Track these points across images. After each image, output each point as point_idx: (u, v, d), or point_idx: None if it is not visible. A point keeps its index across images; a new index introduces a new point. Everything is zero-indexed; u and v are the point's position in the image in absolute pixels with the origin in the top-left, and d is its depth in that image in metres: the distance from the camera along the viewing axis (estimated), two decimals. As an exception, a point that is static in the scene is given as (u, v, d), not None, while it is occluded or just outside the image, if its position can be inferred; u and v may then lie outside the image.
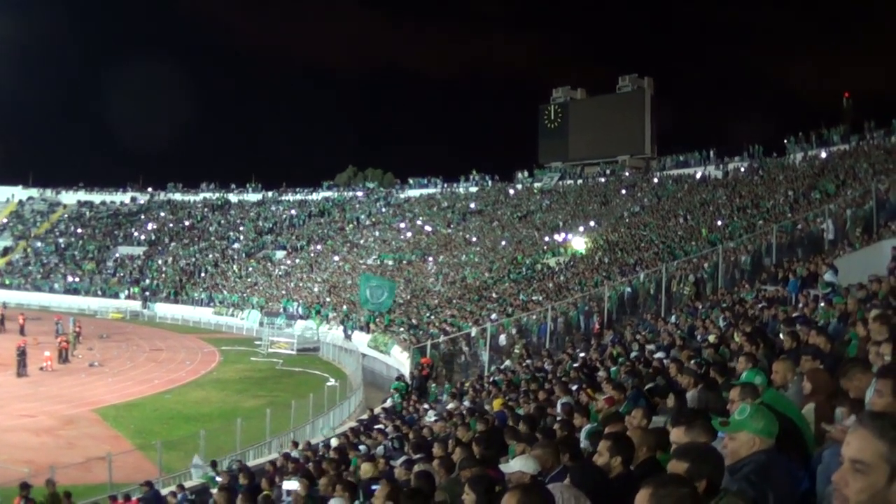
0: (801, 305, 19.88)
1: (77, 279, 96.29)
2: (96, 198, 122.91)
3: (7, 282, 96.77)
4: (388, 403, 33.31)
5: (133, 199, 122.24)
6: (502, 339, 39.24)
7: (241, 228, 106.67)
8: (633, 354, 20.34)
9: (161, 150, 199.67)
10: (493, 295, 54.27)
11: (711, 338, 17.65)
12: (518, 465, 7.45)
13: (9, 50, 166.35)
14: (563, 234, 67.47)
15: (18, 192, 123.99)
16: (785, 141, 71.57)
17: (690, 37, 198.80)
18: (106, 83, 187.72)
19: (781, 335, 13.55)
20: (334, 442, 23.95)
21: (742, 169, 71.50)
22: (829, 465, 4.98)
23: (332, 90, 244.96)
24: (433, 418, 22.55)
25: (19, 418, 35.01)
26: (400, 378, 38.04)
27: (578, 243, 61.90)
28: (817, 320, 15.57)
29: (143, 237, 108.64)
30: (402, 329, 53.12)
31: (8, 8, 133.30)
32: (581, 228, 67.41)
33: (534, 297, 48.20)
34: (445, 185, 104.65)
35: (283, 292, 79.49)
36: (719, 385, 10.27)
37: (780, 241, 33.88)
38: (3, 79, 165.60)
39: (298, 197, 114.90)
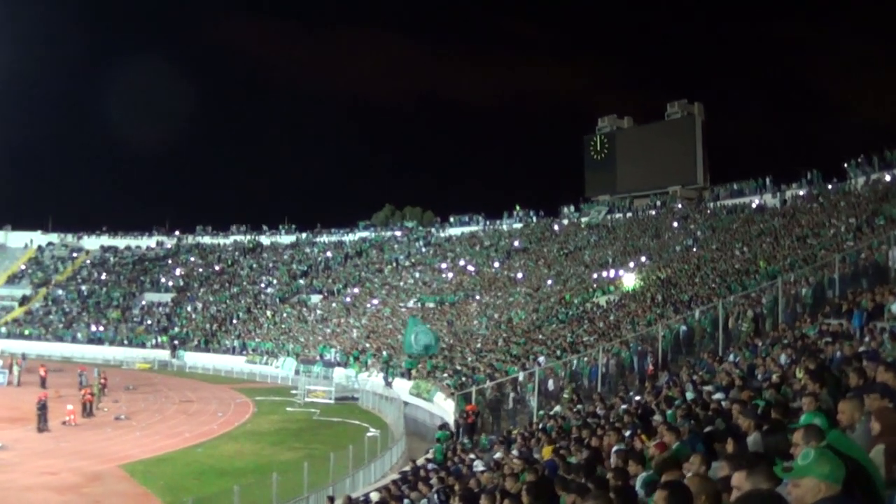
0: (867, 340, 19.65)
1: (101, 328, 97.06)
2: (120, 242, 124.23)
3: (27, 332, 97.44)
4: (430, 454, 33.20)
5: (159, 244, 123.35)
6: (551, 383, 39.07)
7: (275, 272, 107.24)
8: (689, 396, 20.16)
9: (188, 191, 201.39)
10: (541, 337, 54.06)
11: (773, 377, 17.49)
12: (569, 516, 7.38)
13: (28, 91, 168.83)
14: (612, 271, 67.22)
15: (37, 238, 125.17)
16: (845, 165, 70.96)
17: (742, 58, 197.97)
18: (129, 122, 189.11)
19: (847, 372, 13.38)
20: (375, 496, 23.88)
21: (801, 195, 71.05)
22: (901, 511, 4.92)
23: (367, 125, 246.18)
24: (480, 468, 22.45)
25: (41, 476, 34.97)
26: (444, 426, 37.93)
27: (629, 280, 61.61)
28: (885, 355, 15.38)
29: (170, 283, 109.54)
30: (445, 375, 53.04)
31: (27, 44, 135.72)
32: (632, 264, 67.13)
33: (583, 339, 48.01)
34: (488, 223, 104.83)
35: (320, 338, 79.64)
36: (782, 427, 10.15)
37: (843, 272, 33.51)
38: (22, 123, 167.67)
39: (334, 238, 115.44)
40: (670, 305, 48.07)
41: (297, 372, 71.19)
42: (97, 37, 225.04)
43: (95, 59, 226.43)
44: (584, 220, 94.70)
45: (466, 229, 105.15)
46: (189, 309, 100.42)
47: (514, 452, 22.36)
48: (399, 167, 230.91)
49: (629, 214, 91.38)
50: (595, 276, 68.93)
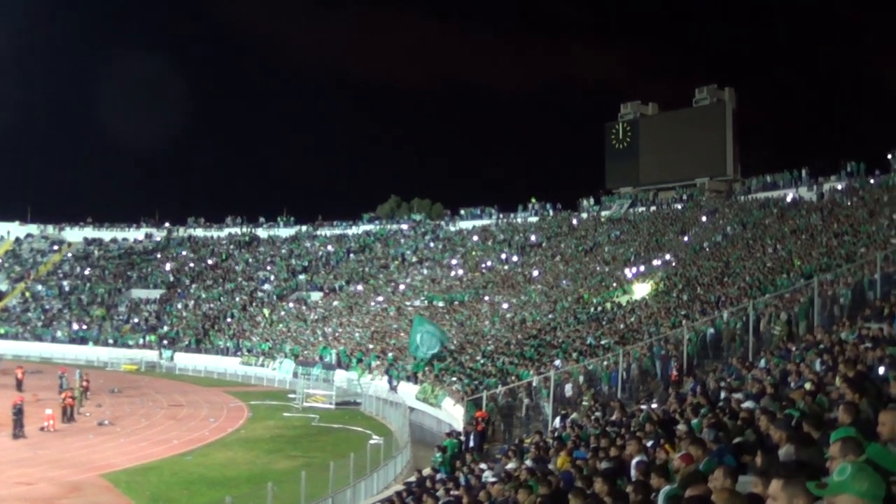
0: (910, 345, 19.54)
1: (84, 327, 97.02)
2: (106, 234, 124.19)
3: (2, 331, 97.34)
4: (437, 463, 33.18)
5: (148, 236, 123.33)
6: (568, 388, 38.99)
7: (272, 267, 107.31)
8: (717, 404, 20.11)
9: (179, 180, 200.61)
10: (557, 339, 54.02)
11: (808, 385, 17.42)
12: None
13: (6, 74, 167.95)
14: (634, 269, 67.10)
15: (15, 229, 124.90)
16: (888, 156, 70.64)
17: (776, 40, 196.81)
18: (117, 105, 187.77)
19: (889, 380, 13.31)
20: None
21: (839, 189, 70.83)
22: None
23: (373, 109, 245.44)
24: (491, 479, 22.43)
25: (15, 486, 34.83)
26: (451, 434, 37.86)
27: (642, 289, 61.20)
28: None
29: (160, 279, 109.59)
30: (454, 378, 52.99)
31: (8, 25, 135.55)
32: (657, 262, 67.02)
33: (603, 341, 47.95)
34: (501, 216, 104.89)
35: (320, 339, 79.63)
36: (817, 440, 10.09)
37: (885, 272, 33.39)
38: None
39: (336, 231, 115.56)
40: (697, 306, 47.99)
41: (295, 374, 70.99)
42: (83, 19, 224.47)
43: (81, 43, 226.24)
44: (604, 213, 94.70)
45: (478, 223, 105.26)
46: (179, 306, 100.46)
47: (528, 462, 22.33)
48: (407, 155, 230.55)
49: (653, 208, 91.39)
50: (616, 273, 68.85)
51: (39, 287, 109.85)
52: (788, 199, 74.08)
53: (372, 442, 41.61)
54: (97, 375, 69.50)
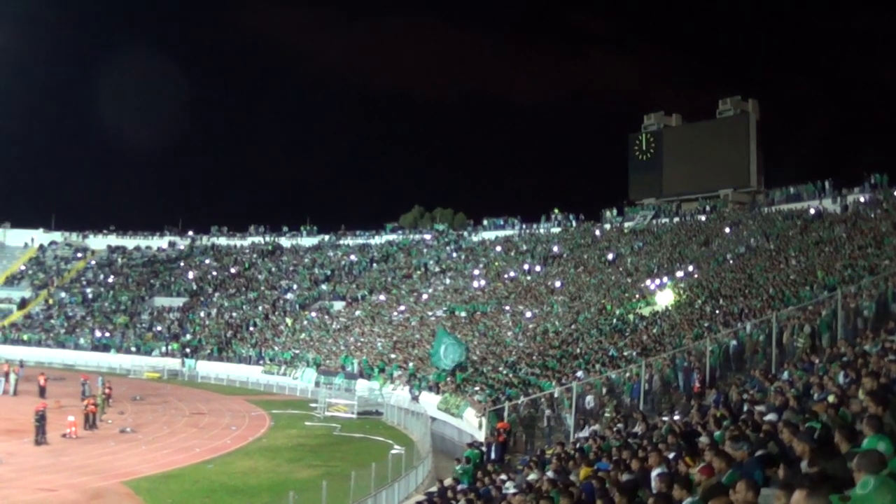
0: (935, 359, 19.37)
1: (107, 334, 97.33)
2: (129, 242, 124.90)
3: (26, 337, 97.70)
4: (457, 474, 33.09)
5: (171, 244, 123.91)
6: (590, 399, 38.88)
7: (295, 276, 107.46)
8: (740, 416, 19.98)
9: (203, 188, 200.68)
10: (579, 350, 53.88)
11: (831, 397, 17.32)
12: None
13: (32, 82, 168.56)
14: (657, 280, 66.79)
15: (39, 236, 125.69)
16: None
17: (802, 51, 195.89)
18: (141, 117, 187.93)
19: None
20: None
21: (863, 201, 70.45)
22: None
23: (398, 120, 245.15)
24: (512, 490, 22.36)
25: (38, 492, 34.75)
26: (473, 444, 37.78)
27: (665, 297, 60.84)
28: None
29: (183, 287, 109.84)
30: (476, 389, 52.90)
31: (28, 32, 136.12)
32: (680, 274, 66.72)
33: (625, 353, 47.80)
34: (524, 226, 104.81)
35: (342, 348, 79.65)
36: (840, 453, 10.02)
37: (908, 285, 33.19)
38: (24, 115, 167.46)
39: (359, 241, 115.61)
40: (720, 318, 47.76)
41: (317, 384, 71.12)
42: (110, 28, 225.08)
43: (102, 49, 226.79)
44: (627, 224, 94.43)
45: (501, 233, 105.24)
46: (202, 315, 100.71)
47: (549, 474, 22.26)
48: (430, 166, 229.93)
49: (676, 219, 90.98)
50: (640, 285, 68.57)
51: (63, 294, 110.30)
52: (812, 210, 73.66)
53: (393, 452, 41.56)
54: (119, 383, 69.69)
